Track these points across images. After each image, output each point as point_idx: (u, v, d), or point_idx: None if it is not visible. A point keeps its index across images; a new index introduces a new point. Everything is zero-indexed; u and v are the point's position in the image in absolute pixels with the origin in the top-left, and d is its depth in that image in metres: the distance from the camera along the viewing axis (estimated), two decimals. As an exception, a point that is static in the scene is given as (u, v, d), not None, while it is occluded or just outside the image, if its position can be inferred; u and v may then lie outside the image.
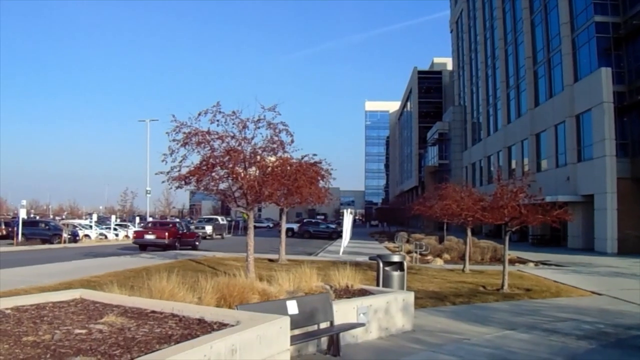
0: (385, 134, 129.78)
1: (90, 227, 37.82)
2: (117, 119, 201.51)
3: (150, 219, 41.19)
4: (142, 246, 25.16)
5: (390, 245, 30.05)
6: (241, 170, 12.99)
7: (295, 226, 45.67)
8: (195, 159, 12.93)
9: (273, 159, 13.54)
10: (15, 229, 28.22)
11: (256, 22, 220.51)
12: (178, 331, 4.19)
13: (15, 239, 27.44)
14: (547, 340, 7.20)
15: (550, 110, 34.73)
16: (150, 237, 25.40)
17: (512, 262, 18.83)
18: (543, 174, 34.71)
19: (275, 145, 13.10)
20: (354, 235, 30.89)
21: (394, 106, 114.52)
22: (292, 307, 5.70)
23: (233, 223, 52.03)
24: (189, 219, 58.80)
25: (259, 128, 12.91)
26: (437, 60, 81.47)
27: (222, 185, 14.16)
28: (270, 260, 18.52)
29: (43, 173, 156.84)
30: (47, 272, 13.58)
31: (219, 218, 49.35)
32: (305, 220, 52.82)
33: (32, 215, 60.61)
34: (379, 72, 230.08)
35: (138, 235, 26.50)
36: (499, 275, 13.10)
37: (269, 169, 13.30)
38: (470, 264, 16.97)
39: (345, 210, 27.16)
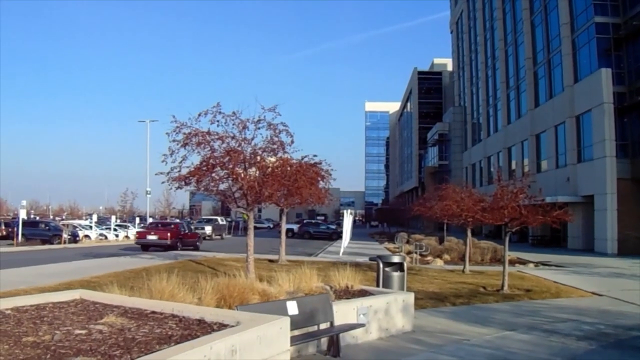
0: (385, 134, 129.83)
1: (90, 227, 37.82)
2: (117, 119, 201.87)
3: (150, 220, 41.21)
4: (145, 246, 25.35)
5: (390, 246, 30.03)
6: (241, 171, 13.00)
7: (295, 227, 45.62)
8: (195, 159, 12.96)
9: (273, 159, 13.55)
10: (15, 229, 28.21)
11: (256, 22, 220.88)
12: (178, 332, 4.19)
13: (15, 239, 27.44)
14: (547, 341, 7.20)
15: (551, 110, 34.74)
16: (152, 237, 25.58)
17: (512, 262, 18.83)
18: (543, 174, 34.73)
19: (275, 146, 13.11)
20: (354, 236, 30.88)
21: (394, 107, 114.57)
22: (292, 307, 5.70)
23: (233, 223, 51.99)
24: (189, 220, 58.78)
25: (259, 129, 12.94)
26: (437, 61, 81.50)
27: (222, 186, 14.18)
28: (270, 260, 18.53)
29: (43, 173, 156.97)
30: (47, 273, 13.59)
31: (219, 219, 49.29)
32: (305, 221, 52.83)
33: (32, 216, 60.59)
34: (379, 72, 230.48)
35: (140, 235, 26.74)
36: (499, 276, 13.10)
37: (269, 169, 13.31)
38: (470, 264, 16.97)
39: (345, 211, 27.17)
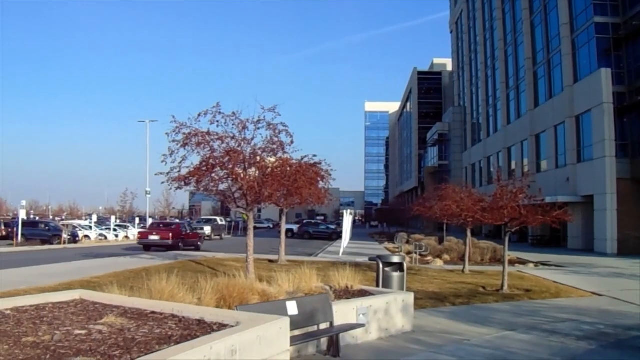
0: (385, 134, 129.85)
1: (90, 227, 37.84)
2: (117, 119, 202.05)
3: (150, 220, 41.19)
4: (147, 246, 25.57)
5: (390, 246, 30.04)
6: (241, 171, 13.00)
7: (295, 227, 45.62)
8: (195, 159, 12.97)
9: (273, 159, 13.55)
10: (15, 229, 28.22)
11: (256, 22, 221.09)
12: (178, 332, 4.19)
13: (15, 239, 27.44)
14: (546, 341, 7.21)
15: (550, 111, 34.75)
16: (154, 237, 25.80)
17: (512, 262, 18.83)
18: (543, 174, 34.73)
19: (275, 146, 13.12)
20: (354, 236, 30.87)
21: (393, 107, 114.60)
22: (292, 307, 5.70)
23: (233, 224, 51.98)
24: (189, 220, 58.76)
25: (258, 129, 12.95)
26: (437, 61, 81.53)
27: (222, 186, 14.19)
28: (270, 261, 18.53)
29: (43, 173, 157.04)
30: (46, 273, 13.59)
31: (218, 219, 49.26)
32: (305, 221, 52.84)
33: (31, 216, 60.58)
34: (379, 72, 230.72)
35: (143, 236, 27.02)
36: (499, 276, 13.10)
37: (269, 169, 13.32)
38: (470, 264, 16.97)
39: (345, 211, 27.17)
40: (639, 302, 10.62)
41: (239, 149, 12.75)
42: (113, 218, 44.70)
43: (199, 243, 27.83)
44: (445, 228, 26.99)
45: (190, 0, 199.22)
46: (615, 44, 30.00)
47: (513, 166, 40.99)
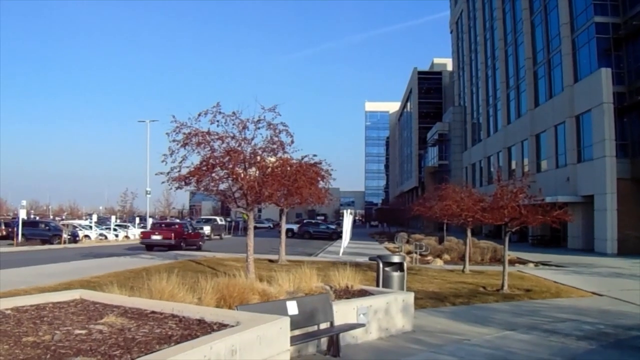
0: (385, 134, 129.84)
1: (90, 227, 37.83)
2: (117, 119, 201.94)
3: (150, 220, 41.20)
4: (149, 246, 25.70)
5: (390, 245, 30.03)
6: (241, 171, 13.00)
7: (295, 227, 45.60)
8: (195, 159, 12.97)
9: (273, 159, 13.55)
10: (15, 229, 28.22)
11: (256, 22, 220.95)
12: (178, 332, 4.19)
13: (15, 239, 27.44)
14: (547, 340, 7.21)
15: (550, 110, 34.75)
16: (156, 237, 25.99)
17: (512, 262, 18.83)
18: (543, 174, 34.73)
19: (275, 146, 13.12)
20: (354, 235, 30.88)
21: (394, 107, 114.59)
22: (292, 307, 5.70)
23: (233, 223, 51.98)
24: (189, 220, 58.77)
25: (259, 129, 12.95)
26: (437, 60, 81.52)
27: (222, 186, 14.20)
28: (270, 260, 18.53)
29: (43, 173, 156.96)
30: (47, 273, 13.59)
31: (218, 219, 49.26)
32: (305, 221, 52.79)
33: (32, 216, 60.58)
34: (379, 72, 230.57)
35: (145, 235, 27.28)
36: (499, 276, 13.10)
37: (269, 169, 13.32)
38: (470, 264, 16.97)
39: (345, 211, 27.17)
40: (639, 302, 10.62)
41: (239, 148, 12.75)
42: (113, 218, 44.70)
43: (200, 243, 27.98)
44: (445, 228, 26.98)
45: (190, 0, 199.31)
46: (616, 43, 29.99)
47: (513, 166, 40.98)
